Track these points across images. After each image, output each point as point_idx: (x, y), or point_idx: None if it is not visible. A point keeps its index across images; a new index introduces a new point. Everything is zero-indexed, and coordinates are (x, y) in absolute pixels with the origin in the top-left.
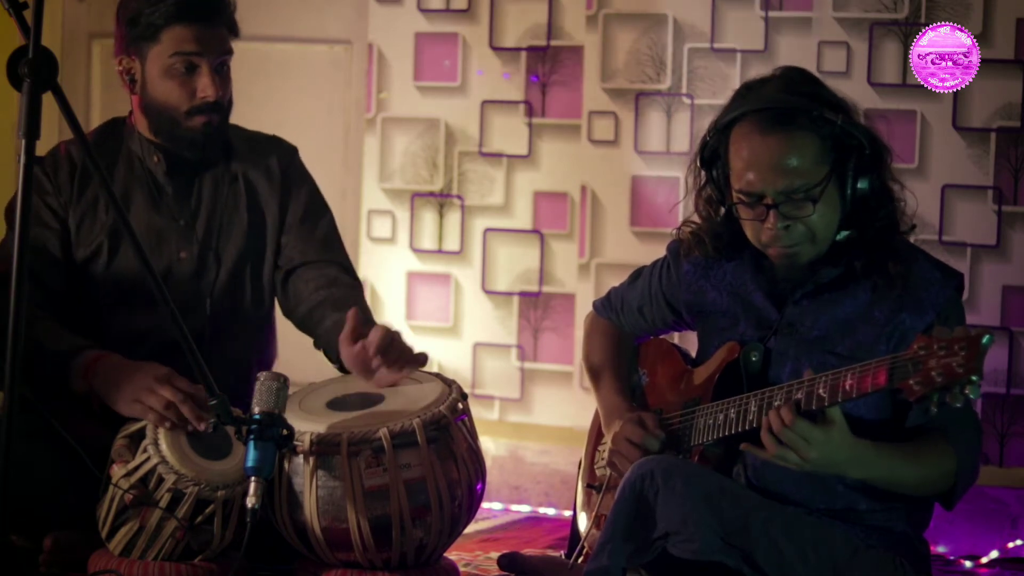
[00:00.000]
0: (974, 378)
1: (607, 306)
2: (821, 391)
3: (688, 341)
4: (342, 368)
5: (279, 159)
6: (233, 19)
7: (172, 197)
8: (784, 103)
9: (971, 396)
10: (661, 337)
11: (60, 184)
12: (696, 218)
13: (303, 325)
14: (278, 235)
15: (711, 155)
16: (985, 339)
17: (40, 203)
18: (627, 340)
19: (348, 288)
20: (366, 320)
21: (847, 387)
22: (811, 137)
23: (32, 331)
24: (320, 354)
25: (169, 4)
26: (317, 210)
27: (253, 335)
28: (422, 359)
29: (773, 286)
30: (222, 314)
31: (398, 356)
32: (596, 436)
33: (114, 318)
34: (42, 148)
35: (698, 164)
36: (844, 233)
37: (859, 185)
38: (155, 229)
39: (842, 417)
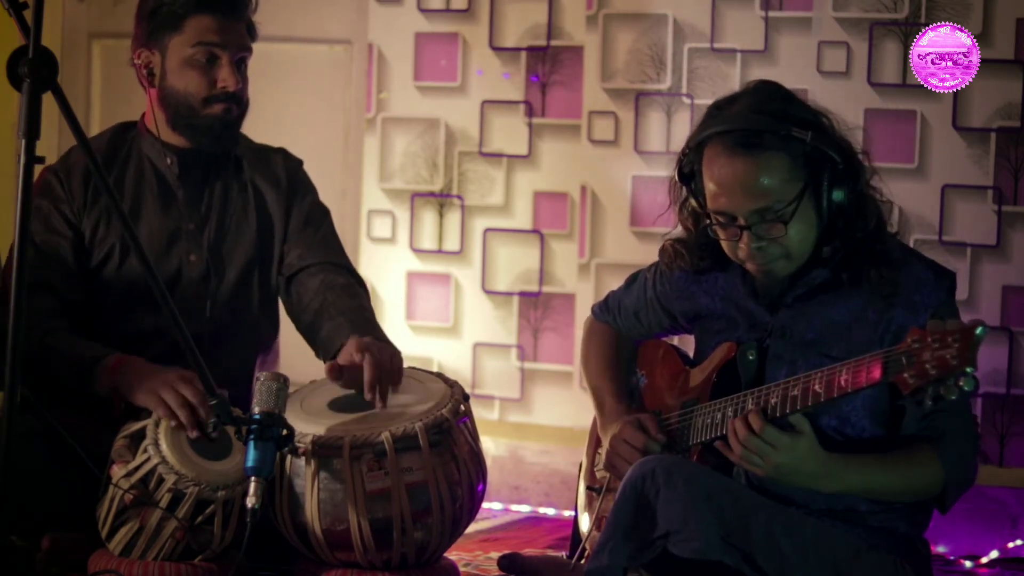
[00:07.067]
0: (968, 369)
1: (605, 310)
2: (817, 387)
3: (687, 343)
4: None
5: (286, 169)
6: (252, 20)
7: (183, 201)
8: (751, 124)
9: (966, 388)
10: (660, 338)
11: (73, 190)
12: (679, 232)
13: (305, 336)
14: (283, 243)
15: (689, 171)
16: (979, 330)
17: (53, 210)
18: (624, 343)
19: (340, 290)
20: (363, 322)
21: (842, 382)
22: (781, 156)
23: (48, 340)
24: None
25: None
26: (318, 217)
27: (260, 339)
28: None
29: (765, 291)
30: (227, 317)
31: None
32: (596, 438)
33: (122, 320)
34: (42, 148)
35: (677, 180)
36: (827, 249)
37: (834, 198)
38: (166, 231)
39: (811, 429)
